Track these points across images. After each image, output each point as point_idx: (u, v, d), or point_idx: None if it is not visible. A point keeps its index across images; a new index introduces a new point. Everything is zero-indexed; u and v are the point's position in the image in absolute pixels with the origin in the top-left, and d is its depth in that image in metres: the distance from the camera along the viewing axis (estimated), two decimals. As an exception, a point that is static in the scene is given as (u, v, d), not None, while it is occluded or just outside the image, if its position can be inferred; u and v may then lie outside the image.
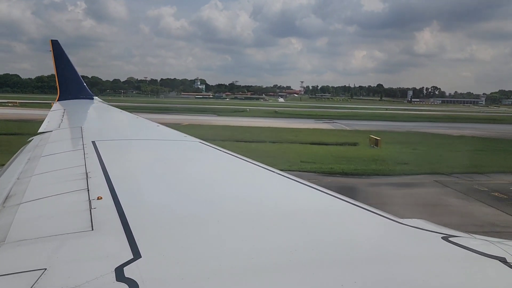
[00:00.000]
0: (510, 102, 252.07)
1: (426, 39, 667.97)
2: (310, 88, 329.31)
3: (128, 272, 2.03)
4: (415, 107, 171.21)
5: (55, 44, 17.16)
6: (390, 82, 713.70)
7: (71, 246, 2.49)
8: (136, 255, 2.24)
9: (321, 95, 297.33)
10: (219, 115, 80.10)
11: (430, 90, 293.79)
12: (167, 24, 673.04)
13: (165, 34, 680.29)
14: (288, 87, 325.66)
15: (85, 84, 18.24)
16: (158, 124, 9.71)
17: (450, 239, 2.62)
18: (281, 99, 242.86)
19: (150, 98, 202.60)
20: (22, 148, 7.08)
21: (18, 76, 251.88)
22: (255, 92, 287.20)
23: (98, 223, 2.79)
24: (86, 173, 4.28)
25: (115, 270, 2.04)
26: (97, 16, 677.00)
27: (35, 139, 7.92)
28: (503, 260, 2.30)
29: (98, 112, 14.69)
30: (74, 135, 7.63)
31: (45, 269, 2.10)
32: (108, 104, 17.42)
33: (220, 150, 6.07)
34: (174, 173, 4.79)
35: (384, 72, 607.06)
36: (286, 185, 4.31)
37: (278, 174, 4.63)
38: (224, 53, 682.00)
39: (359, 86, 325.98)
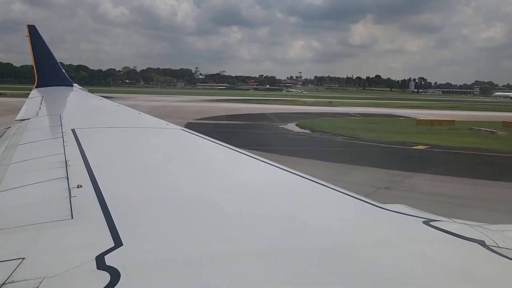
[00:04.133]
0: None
1: (360, 31, 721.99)
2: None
3: (109, 260, 2.01)
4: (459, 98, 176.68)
5: (32, 29, 16.81)
6: (326, 71, 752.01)
7: (50, 235, 2.45)
8: (118, 243, 2.22)
9: (330, 86, 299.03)
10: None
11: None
12: (105, 9, 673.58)
13: (102, 20, 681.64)
14: (273, 77, 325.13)
15: (64, 70, 18.03)
16: (140, 112, 9.62)
17: (431, 223, 2.67)
18: (293, 90, 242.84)
19: (171, 89, 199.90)
20: None
21: None
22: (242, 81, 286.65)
23: (78, 212, 2.76)
24: (66, 161, 4.21)
25: (95, 258, 2.02)
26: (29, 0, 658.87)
27: (12, 127, 7.77)
28: (482, 243, 2.37)
29: (78, 100, 14.36)
30: (53, 123, 7.47)
31: (23, 258, 2.09)
32: (88, 92, 17.22)
33: (203, 138, 6.01)
34: (156, 161, 4.72)
35: (320, 62, 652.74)
36: (267, 171, 4.31)
37: (260, 160, 4.61)
38: (163, 41, 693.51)
39: (348, 77, 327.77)
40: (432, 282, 1.99)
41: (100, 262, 1.99)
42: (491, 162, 25.62)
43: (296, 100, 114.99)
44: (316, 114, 62.29)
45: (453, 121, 49.28)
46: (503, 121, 48.54)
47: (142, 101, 78.73)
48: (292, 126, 43.90)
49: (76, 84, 18.00)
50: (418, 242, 2.47)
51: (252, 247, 2.30)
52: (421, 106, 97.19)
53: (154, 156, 5.00)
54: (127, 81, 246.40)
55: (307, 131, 40.22)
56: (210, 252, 2.20)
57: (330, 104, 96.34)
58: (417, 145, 31.00)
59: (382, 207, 2.99)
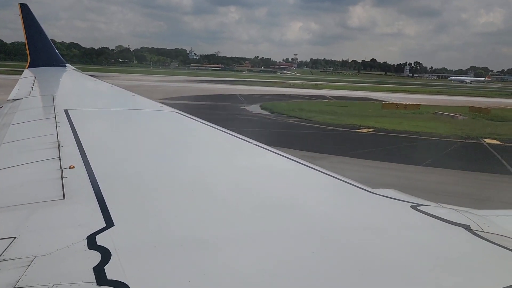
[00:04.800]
0: (495, 79, 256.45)
1: (359, 13, 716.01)
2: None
3: (100, 240, 2.02)
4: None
5: (24, 8, 16.43)
6: (322, 54, 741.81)
7: (41, 215, 2.46)
8: (109, 223, 2.23)
9: (325, 69, 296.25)
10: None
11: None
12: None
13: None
14: (269, 59, 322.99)
15: (56, 50, 17.81)
16: (134, 94, 9.60)
17: (418, 208, 2.71)
18: (287, 73, 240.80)
19: (168, 70, 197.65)
20: None
21: None
22: (236, 63, 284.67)
23: (70, 192, 2.76)
24: (58, 142, 4.20)
25: (87, 238, 2.04)
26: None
27: (4, 106, 7.76)
28: (467, 228, 2.42)
29: (71, 80, 14.26)
30: (46, 103, 7.46)
31: (15, 237, 2.09)
32: (82, 72, 17.04)
33: (196, 120, 5.99)
34: (149, 143, 4.73)
35: (318, 45, 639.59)
36: (260, 155, 4.33)
37: (253, 144, 4.61)
38: (159, 20, 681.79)
39: (343, 60, 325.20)
40: (417, 265, 2.03)
41: (91, 242, 2.00)
42: (417, 146, 25.65)
43: (283, 82, 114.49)
44: (291, 97, 62.11)
45: (419, 105, 49.14)
46: (470, 106, 48.41)
47: (122, 80, 78.02)
48: (254, 108, 43.79)
49: (69, 65, 17.87)
50: (405, 226, 2.52)
51: (243, 229, 2.34)
52: (407, 91, 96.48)
53: (146, 138, 5.03)
54: (120, 60, 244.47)
55: (266, 112, 40.22)
56: (201, 233, 2.22)
57: (315, 87, 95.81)
58: (363, 128, 31.03)
59: (371, 191, 3.04)
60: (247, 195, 2.98)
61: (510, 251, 2.18)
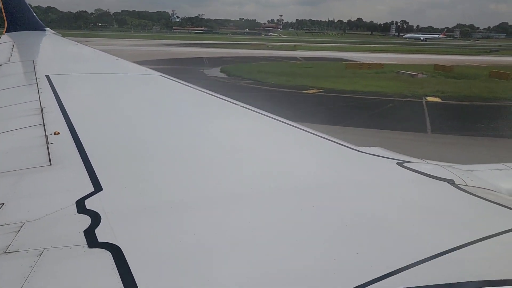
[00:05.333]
0: (481, 36, 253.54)
1: None
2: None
3: (89, 204, 2.03)
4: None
5: None
6: (309, 14, 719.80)
7: (28, 181, 2.44)
8: (97, 188, 2.24)
9: (310, 29, 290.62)
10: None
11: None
12: None
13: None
14: (253, 20, 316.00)
15: (35, 14, 17.24)
16: (117, 58, 9.43)
17: (404, 164, 2.75)
18: (272, 34, 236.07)
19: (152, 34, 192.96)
20: None
21: None
22: (220, 26, 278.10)
23: (56, 158, 2.74)
24: (41, 108, 4.15)
25: (76, 203, 2.05)
26: None
27: None
28: (451, 182, 2.50)
29: (52, 45, 13.96)
30: (26, 69, 7.30)
31: (3, 204, 2.10)
32: (62, 36, 16.76)
33: (182, 84, 6.00)
34: (134, 107, 4.69)
35: (304, 4, 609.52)
36: (247, 117, 4.30)
37: (237, 105, 4.65)
38: None
39: (329, 20, 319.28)
40: (403, 219, 2.09)
41: (81, 206, 2.02)
42: (349, 106, 25.44)
43: (262, 44, 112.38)
44: (261, 59, 61.02)
45: (383, 65, 48.65)
46: (435, 65, 48.03)
47: (94, 45, 75.95)
48: (213, 71, 43.13)
49: (49, 29, 17.39)
50: (392, 183, 2.56)
51: (232, 190, 2.35)
52: (387, 50, 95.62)
53: (131, 102, 5.00)
54: (99, 24, 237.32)
55: (223, 75, 39.75)
56: (190, 195, 2.25)
57: (294, 48, 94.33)
58: (311, 89, 30.70)
59: (358, 150, 3.08)
60: (235, 157, 2.98)
61: (491, 203, 2.27)
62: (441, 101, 26.81)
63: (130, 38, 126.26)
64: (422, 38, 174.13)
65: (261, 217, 2.03)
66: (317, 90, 30.34)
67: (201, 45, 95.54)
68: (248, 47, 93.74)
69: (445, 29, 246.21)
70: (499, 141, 16.38)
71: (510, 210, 2.20)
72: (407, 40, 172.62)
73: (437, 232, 1.97)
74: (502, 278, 1.60)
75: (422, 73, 41.97)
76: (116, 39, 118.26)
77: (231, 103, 4.75)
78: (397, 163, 2.78)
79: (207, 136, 3.57)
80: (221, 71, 42.38)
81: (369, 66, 47.96)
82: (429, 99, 27.22)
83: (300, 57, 68.17)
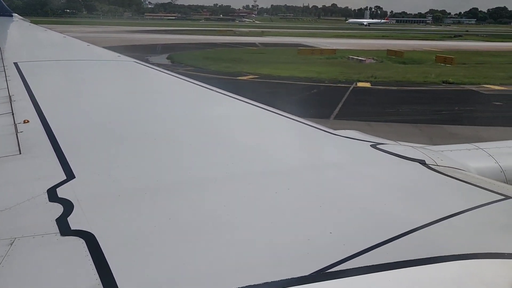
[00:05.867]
0: (452, 21, 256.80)
1: None
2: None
3: (61, 192, 2.01)
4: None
5: None
6: (286, 0, 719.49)
7: None
8: (70, 176, 2.21)
9: (285, 15, 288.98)
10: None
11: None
12: None
13: None
14: (228, 6, 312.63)
15: None
16: (89, 44, 9.12)
17: (378, 146, 2.82)
18: (246, 20, 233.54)
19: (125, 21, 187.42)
20: None
21: None
22: (193, 11, 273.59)
23: (26, 147, 2.70)
24: (10, 96, 4.04)
25: (47, 191, 2.02)
26: None
27: None
28: (422, 162, 2.58)
29: (20, 31, 13.68)
30: None
31: None
32: (30, 22, 16.05)
33: (155, 69, 5.97)
34: (106, 94, 4.56)
35: None
36: (219, 100, 4.29)
37: (211, 89, 4.65)
38: None
39: (304, 6, 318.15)
40: (377, 198, 2.15)
41: (52, 194, 1.99)
42: (273, 93, 24.62)
43: (230, 30, 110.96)
44: (218, 45, 60.07)
45: (335, 50, 48.45)
46: (388, 50, 48.08)
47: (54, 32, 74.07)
48: (159, 58, 42.15)
49: (16, 14, 16.76)
50: (366, 164, 2.63)
51: (206, 174, 2.31)
52: (353, 36, 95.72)
53: (103, 89, 4.90)
54: (68, 10, 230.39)
55: (167, 62, 39.06)
56: (164, 180, 2.21)
57: (261, 34, 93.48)
58: (247, 76, 30.17)
59: (334, 133, 3.13)
60: (208, 141, 2.98)
61: (460, 182, 2.35)
62: (370, 86, 26.63)
63: (96, 25, 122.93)
64: (365, 23, 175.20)
65: (236, 200, 2.04)
66: (252, 77, 29.81)
67: (166, 32, 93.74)
68: (214, 34, 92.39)
69: (388, 14, 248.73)
70: (393, 126, 16.14)
71: (478, 188, 2.27)
72: (350, 25, 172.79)
73: (409, 210, 2.06)
74: (472, 252, 1.65)
75: (373, 58, 41.94)
76: (81, 26, 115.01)
77: (205, 88, 4.77)
78: (371, 145, 2.86)
79: (181, 121, 3.56)
80: (167, 58, 41.49)
81: (321, 51, 47.71)
82: (359, 84, 27.04)
83: (259, 43, 67.41)
